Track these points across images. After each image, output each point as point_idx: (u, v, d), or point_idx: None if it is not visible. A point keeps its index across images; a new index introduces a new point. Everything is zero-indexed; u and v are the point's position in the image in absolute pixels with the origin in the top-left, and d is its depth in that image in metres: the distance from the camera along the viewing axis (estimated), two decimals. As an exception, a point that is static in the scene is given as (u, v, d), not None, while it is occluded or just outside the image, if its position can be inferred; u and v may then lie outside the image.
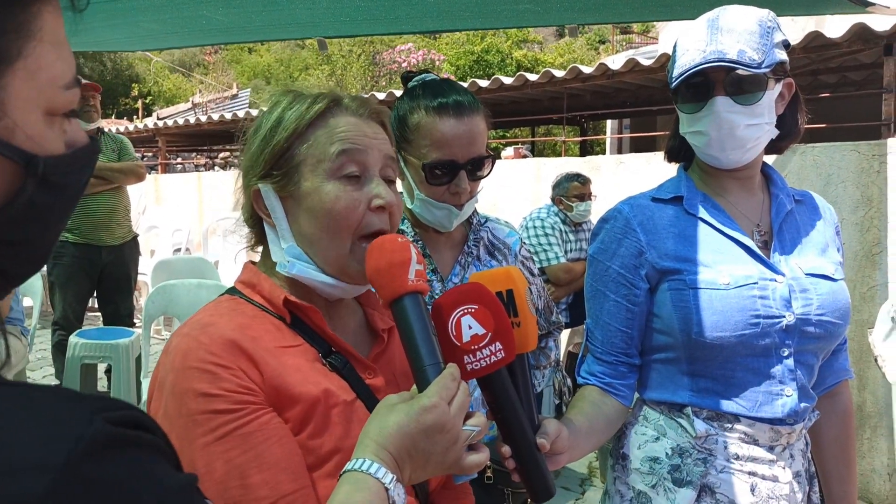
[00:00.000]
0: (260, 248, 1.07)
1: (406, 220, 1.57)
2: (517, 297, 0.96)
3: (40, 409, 0.44)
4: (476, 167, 1.45)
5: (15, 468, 0.39)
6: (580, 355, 1.39)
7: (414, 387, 0.83)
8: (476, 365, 0.87)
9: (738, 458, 1.23)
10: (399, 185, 1.59)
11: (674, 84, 1.26)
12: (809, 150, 3.83)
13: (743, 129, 1.21)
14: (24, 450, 0.40)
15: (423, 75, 1.54)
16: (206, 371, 0.84)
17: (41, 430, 0.42)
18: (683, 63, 1.22)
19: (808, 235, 1.31)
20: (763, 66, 1.18)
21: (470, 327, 0.87)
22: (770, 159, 1.43)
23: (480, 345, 0.87)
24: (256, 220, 1.03)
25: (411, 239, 1.53)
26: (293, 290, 0.99)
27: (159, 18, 2.86)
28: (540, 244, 4.00)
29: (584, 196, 4.13)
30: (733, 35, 1.18)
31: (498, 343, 0.87)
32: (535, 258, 3.94)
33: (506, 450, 0.93)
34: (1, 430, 0.41)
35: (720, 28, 1.20)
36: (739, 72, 1.18)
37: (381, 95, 8.74)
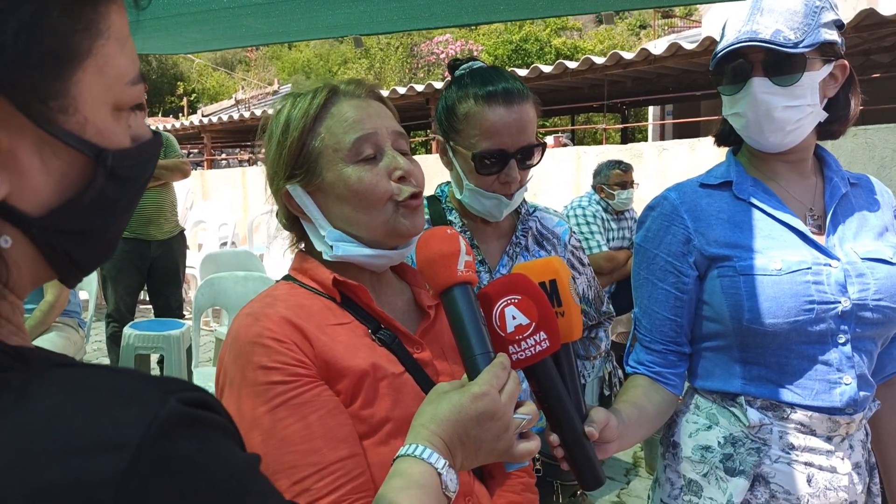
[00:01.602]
0: (303, 245, 1.12)
1: (454, 211, 1.56)
2: (560, 287, 0.96)
3: (118, 389, 0.46)
4: (526, 156, 1.43)
5: (95, 446, 0.42)
6: (628, 344, 1.38)
7: (465, 375, 0.84)
8: (521, 355, 0.87)
9: (793, 448, 1.20)
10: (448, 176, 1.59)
11: (712, 65, 1.25)
12: (861, 132, 3.70)
13: (781, 111, 1.18)
14: (103, 428, 0.43)
15: (470, 63, 1.52)
16: (263, 345, 0.91)
17: (120, 410, 0.44)
18: (723, 44, 1.22)
19: (864, 219, 1.28)
20: (801, 45, 1.15)
21: (514, 318, 0.88)
22: (827, 145, 1.39)
23: (525, 335, 0.87)
24: (294, 221, 1.10)
25: (459, 230, 1.53)
26: (341, 272, 1.04)
27: (202, 29, 2.93)
28: (581, 233, 3.96)
29: (626, 184, 4.08)
30: (773, 15, 1.16)
31: (542, 333, 0.87)
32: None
33: (554, 438, 0.93)
34: (84, 410, 0.44)
35: (761, 8, 1.18)
36: (775, 52, 1.16)
37: (419, 87, 8.74)
